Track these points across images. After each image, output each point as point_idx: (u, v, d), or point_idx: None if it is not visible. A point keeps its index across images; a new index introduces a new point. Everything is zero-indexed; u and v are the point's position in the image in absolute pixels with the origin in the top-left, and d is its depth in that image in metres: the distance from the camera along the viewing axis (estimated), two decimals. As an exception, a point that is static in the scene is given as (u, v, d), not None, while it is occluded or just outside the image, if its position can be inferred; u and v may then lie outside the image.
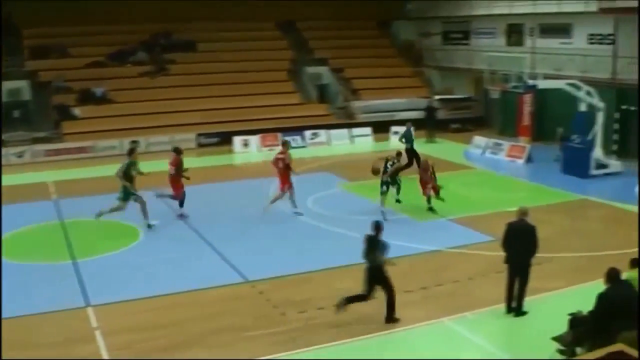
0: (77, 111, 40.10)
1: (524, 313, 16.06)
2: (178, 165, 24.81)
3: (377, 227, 16.01)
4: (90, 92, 41.23)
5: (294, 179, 25.35)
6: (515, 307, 16.11)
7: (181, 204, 25.13)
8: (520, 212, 16.26)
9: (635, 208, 25.15)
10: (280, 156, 25.44)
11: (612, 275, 13.42)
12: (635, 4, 31.05)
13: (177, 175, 24.74)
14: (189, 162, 34.06)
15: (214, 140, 40.37)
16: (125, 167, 23.18)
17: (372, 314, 15.98)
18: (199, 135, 40.35)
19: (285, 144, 26.48)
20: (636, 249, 18.94)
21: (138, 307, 16.91)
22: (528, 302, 16.11)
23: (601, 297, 13.26)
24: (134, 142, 33.02)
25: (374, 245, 15.83)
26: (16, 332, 15.35)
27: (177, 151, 25.39)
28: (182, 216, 24.99)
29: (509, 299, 16.13)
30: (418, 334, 15.23)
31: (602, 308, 13.13)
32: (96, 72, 42.82)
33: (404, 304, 16.71)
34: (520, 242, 15.88)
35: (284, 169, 25.28)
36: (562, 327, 13.56)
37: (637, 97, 30.43)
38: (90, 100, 41.06)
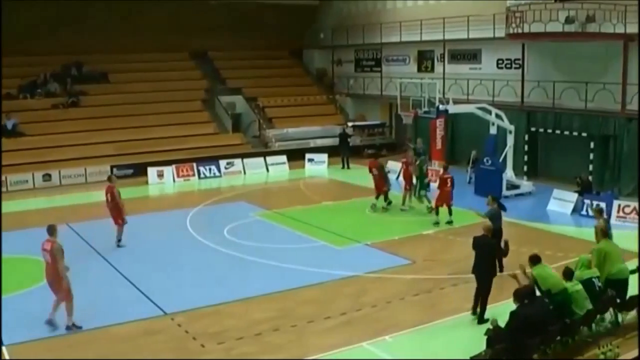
0: (-13, 145, 39.16)
1: (485, 321, 16.44)
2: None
3: (493, 198, 21.62)
4: (1, 125, 40.32)
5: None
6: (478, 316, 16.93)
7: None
8: (484, 228, 17.68)
9: (546, 227, 25.83)
10: (404, 160, 31.23)
11: (520, 295, 13.86)
12: (541, 29, 31.87)
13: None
14: (103, 195, 33.70)
15: (129, 172, 39.77)
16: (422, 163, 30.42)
17: (292, 343, 15.98)
18: (113, 167, 39.67)
19: (408, 150, 32.86)
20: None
21: (55, 344, 16.44)
22: (446, 323, 16.31)
23: (513, 315, 13.60)
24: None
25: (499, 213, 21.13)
26: None
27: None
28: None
29: (475, 306, 17.01)
30: (339, 359, 15.21)
31: (515, 325, 13.45)
32: (6, 105, 41.91)
33: (324, 330, 16.78)
34: (480, 255, 17.19)
35: (407, 169, 30.40)
36: (480, 346, 13.73)
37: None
38: (1, 133, 40.13)
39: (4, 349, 16.16)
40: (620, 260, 16.83)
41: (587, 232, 25.06)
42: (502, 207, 21.84)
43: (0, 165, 34.17)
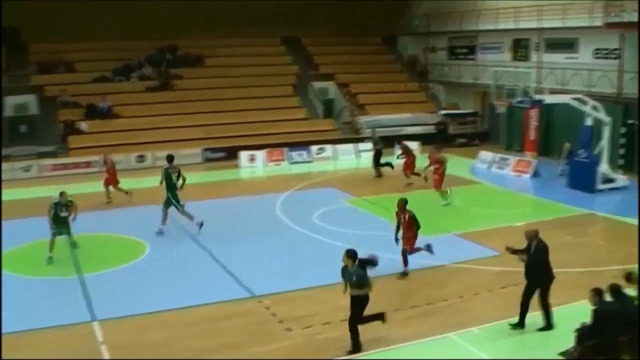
0: (83, 126, 40.18)
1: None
2: None
3: (349, 255, 15.27)
4: (96, 106, 41.31)
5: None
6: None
7: None
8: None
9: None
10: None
11: (598, 292, 13.54)
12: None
13: None
14: (195, 177, 34.30)
15: (220, 155, 40.35)
16: None
17: (378, 330, 15.96)
18: (205, 150, 40.35)
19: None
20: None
21: (145, 322, 16.89)
22: (533, 317, 16.05)
23: (596, 313, 13.39)
24: None
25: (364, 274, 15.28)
26: (21, 346, 15.42)
27: None
28: None
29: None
30: (425, 348, 15.16)
31: (597, 323, 13.24)
32: (102, 87, 42.97)
33: (410, 319, 16.78)
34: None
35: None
36: (567, 342, 13.53)
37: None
38: (96, 115, 41.15)
39: (95, 324, 16.61)
40: None
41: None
42: (364, 265, 15.32)
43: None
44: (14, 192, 31.43)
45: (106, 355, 15.02)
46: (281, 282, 19.38)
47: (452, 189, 29.31)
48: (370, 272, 15.25)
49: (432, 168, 29.73)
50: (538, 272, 15.81)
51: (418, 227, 20.28)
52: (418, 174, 32.28)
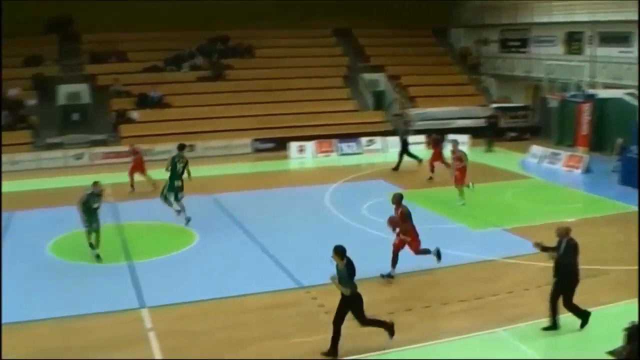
0: (134, 115, 40.62)
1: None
2: None
3: (337, 252, 14.90)
4: (148, 96, 41.72)
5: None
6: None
7: None
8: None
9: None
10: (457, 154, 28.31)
11: None
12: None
13: None
14: (245, 167, 34.43)
15: (270, 145, 40.52)
16: None
17: (425, 323, 15.88)
18: (255, 140, 40.57)
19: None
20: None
21: (192, 309, 17.03)
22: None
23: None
24: None
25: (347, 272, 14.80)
26: (70, 332, 15.65)
27: None
28: None
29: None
30: (473, 343, 15.06)
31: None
32: (153, 77, 43.38)
33: (458, 313, 16.65)
34: None
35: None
36: (615, 341, 13.34)
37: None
38: (147, 104, 41.55)
39: (144, 311, 16.78)
40: None
41: None
42: (351, 264, 14.88)
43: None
44: (67, 180, 31.96)
45: (154, 341, 15.16)
46: (329, 274, 19.31)
47: (473, 185, 28.52)
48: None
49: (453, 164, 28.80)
50: (566, 271, 15.49)
51: (413, 226, 19.88)
52: (432, 169, 32.59)
